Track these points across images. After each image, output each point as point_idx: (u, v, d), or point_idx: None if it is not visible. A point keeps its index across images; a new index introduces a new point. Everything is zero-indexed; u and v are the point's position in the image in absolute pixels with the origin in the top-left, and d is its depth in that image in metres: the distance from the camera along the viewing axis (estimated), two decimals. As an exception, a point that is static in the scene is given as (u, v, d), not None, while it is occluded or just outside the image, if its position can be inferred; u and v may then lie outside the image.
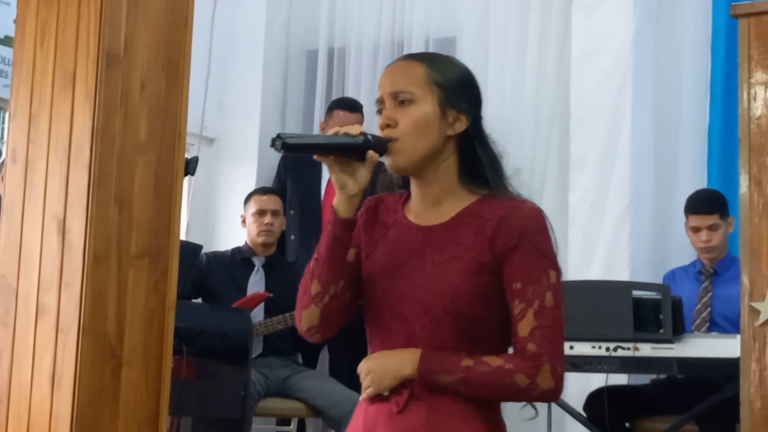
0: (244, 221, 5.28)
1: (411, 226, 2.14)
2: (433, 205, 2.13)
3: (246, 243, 5.26)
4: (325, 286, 2.11)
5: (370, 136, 2.06)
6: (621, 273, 5.29)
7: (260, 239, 5.18)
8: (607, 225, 5.44)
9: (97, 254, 2.51)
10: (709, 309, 4.74)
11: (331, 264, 2.10)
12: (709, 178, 5.47)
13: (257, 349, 4.92)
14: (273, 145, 2.01)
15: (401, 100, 2.10)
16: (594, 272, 5.34)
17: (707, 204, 4.80)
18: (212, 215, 6.39)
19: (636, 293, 4.09)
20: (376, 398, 2.08)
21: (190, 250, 4.60)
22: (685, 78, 5.60)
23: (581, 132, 5.59)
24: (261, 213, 5.20)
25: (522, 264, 2.03)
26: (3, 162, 3.33)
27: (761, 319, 2.72)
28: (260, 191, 5.40)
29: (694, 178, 5.47)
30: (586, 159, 5.56)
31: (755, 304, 2.74)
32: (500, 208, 2.07)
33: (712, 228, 4.76)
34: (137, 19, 2.64)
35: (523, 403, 2.11)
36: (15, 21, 2.74)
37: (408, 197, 2.19)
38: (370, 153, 2.06)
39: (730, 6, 2.88)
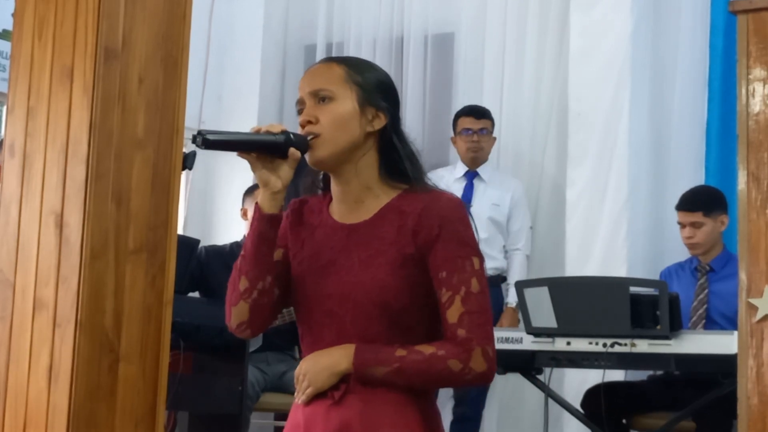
0: (245, 214, 5.22)
1: (336, 225, 2.20)
2: (355, 203, 2.19)
3: (245, 237, 5.21)
4: (252, 282, 2.17)
5: (291, 134, 2.12)
6: (618, 269, 5.30)
7: None
8: (604, 221, 5.44)
9: (95, 249, 2.50)
10: (705, 306, 4.75)
11: (257, 260, 2.17)
12: (707, 175, 5.48)
13: (256, 343, 4.91)
14: (194, 141, 2.08)
15: (321, 98, 2.16)
16: (591, 268, 5.34)
17: (690, 202, 4.84)
18: (210, 210, 6.39)
19: (633, 289, 4.08)
20: (313, 398, 2.12)
21: (187, 245, 4.59)
22: (683, 74, 5.60)
23: (579, 128, 5.59)
24: None
25: (445, 253, 2.09)
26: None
27: (759, 315, 2.72)
28: None
29: (692, 175, 5.47)
30: (583, 155, 5.56)
31: (753, 300, 2.73)
32: (420, 201, 2.13)
33: (694, 225, 4.79)
34: (135, 14, 2.63)
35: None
36: (13, 15, 2.73)
37: (331, 198, 2.25)
38: (292, 150, 2.11)
39: (729, 2, 2.87)
